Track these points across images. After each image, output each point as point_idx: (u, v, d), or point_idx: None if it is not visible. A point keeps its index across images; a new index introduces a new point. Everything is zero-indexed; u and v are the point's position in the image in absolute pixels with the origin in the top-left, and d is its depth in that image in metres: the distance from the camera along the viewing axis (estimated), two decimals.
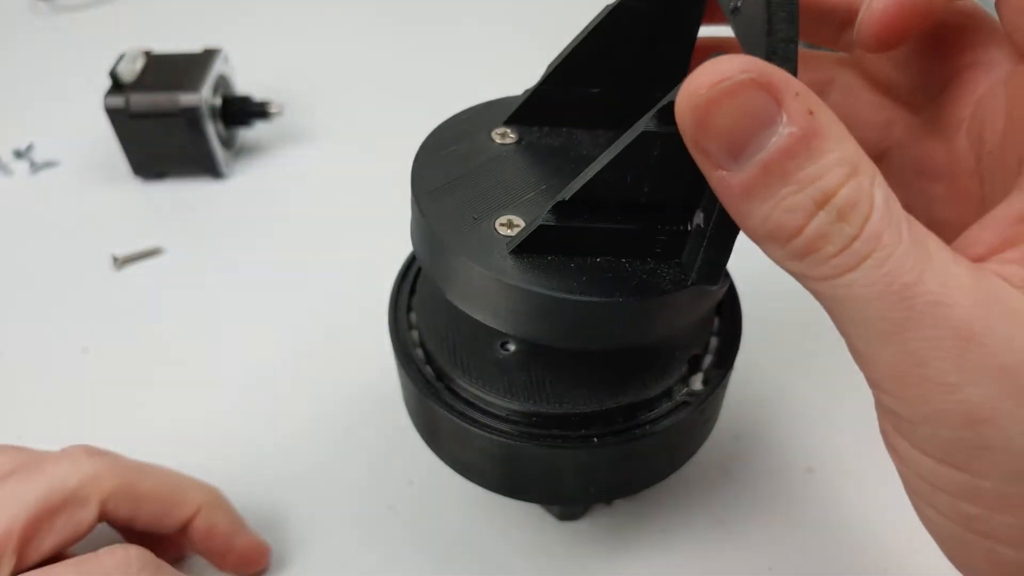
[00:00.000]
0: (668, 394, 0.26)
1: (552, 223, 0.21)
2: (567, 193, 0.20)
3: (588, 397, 0.25)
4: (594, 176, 0.20)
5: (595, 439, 0.24)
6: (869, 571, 0.30)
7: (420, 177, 0.24)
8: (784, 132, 0.15)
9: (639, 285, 0.21)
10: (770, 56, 0.16)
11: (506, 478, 0.27)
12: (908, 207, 0.24)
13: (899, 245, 0.15)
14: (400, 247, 0.30)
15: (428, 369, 0.27)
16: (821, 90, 0.25)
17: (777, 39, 0.16)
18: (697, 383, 0.26)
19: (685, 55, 0.25)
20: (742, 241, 0.30)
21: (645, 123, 0.18)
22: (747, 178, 0.16)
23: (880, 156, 0.25)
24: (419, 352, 0.27)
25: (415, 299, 0.29)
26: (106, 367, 0.39)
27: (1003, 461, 0.16)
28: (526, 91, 0.26)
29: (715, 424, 0.29)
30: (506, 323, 0.22)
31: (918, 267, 0.15)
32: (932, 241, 0.16)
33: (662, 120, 0.18)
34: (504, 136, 0.25)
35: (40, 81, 0.60)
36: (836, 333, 0.18)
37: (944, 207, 0.22)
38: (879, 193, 0.16)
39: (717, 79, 0.15)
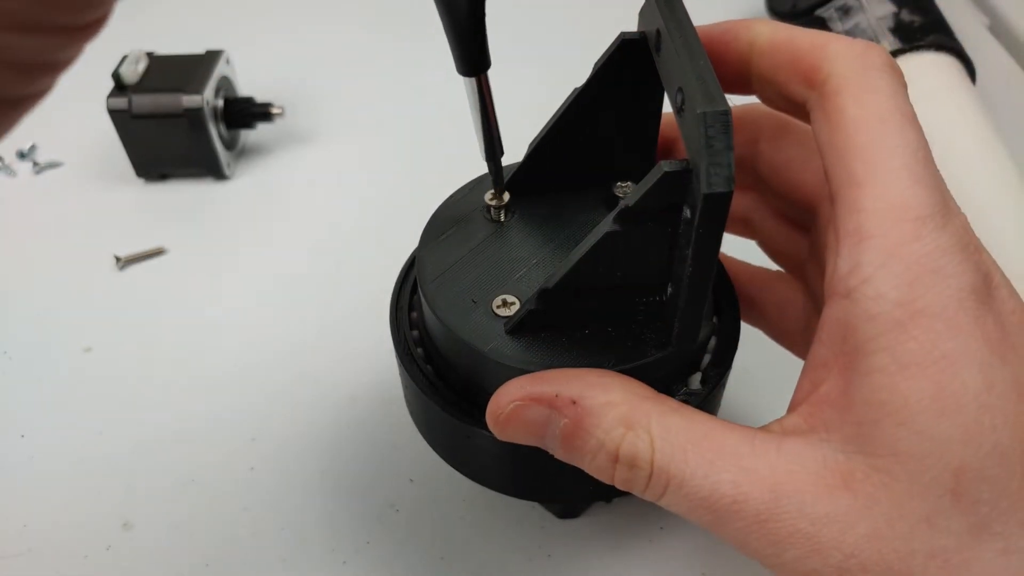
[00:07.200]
0: (667, 393, 0.26)
1: (540, 307, 0.23)
2: (549, 283, 0.23)
3: None
4: (569, 270, 0.22)
5: None
6: None
7: (424, 266, 0.26)
8: (558, 425, 0.20)
9: (625, 354, 0.23)
10: (708, 168, 0.18)
11: (506, 476, 0.27)
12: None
13: (686, 469, 0.19)
14: (401, 247, 0.30)
15: (429, 368, 0.27)
16: (743, 218, 0.29)
17: (713, 150, 0.18)
18: (695, 382, 0.26)
19: (654, 116, 0.27)
20: (742, 241, 0.30)
21: (607, 224, 0.21)
22: (558, 454, 0.21)
23: (800, 273, 0.28)
24: (420, 351, 0.27)
25: (416, 298, 0.29)
26: (109, 367, 0.39)
27: None
28: (512, 165, 0.28)
29: None
30: None
31: (709, 479, 0.19)
32: (730, 443, 0.19)
33: (620, 220, 0.21)
34: (497, 213, 0.27)
35: None
36: None
37: None
38: (657, 433, 0.20)
39: (498, 410, 0.21)
